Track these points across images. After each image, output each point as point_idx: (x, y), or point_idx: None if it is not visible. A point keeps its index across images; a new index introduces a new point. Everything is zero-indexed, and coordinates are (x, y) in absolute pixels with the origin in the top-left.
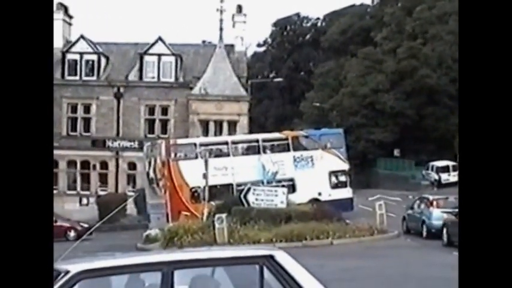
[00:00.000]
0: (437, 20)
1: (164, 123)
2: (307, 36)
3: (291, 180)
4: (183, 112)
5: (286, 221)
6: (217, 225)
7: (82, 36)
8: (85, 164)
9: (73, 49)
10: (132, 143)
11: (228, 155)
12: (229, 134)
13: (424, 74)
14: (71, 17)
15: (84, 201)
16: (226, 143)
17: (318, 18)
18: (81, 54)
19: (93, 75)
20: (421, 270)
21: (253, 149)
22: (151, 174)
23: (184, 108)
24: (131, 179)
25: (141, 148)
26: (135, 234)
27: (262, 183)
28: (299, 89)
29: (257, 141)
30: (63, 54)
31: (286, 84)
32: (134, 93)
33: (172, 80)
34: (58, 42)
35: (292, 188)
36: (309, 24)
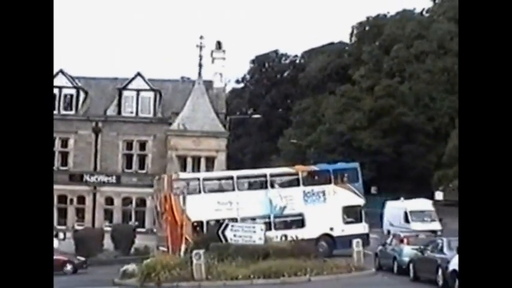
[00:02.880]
0: (415, 59)
1: (142, 159)
2: (286, 73)
3: (300, 215)
4: (161, 147)
5: (264, 258)
6: (195, 261)
7: (61, 71)
8: (62, 199)
9: None
10: (110, 178)
11: (233, 189)
12: (207, 170)
13: (401, 112)
14: None
15: (61, 235)
16: (231, 178)
17: (296, 56)
18: (60, 88)
19: (71, 109)
20: None
21: (260, 184)
22: (158, 208)
23: (163, 144)
24: (108, 214)
25: (118, 183)
26: (112, 269)
27: (269, 217)
28: (277, 125)
29: (265, 176)
30: None
31: (264, 121)
32: (113, 128)
33: (151, 115)
34: None
35: (301, 223)
36: (287, 61)
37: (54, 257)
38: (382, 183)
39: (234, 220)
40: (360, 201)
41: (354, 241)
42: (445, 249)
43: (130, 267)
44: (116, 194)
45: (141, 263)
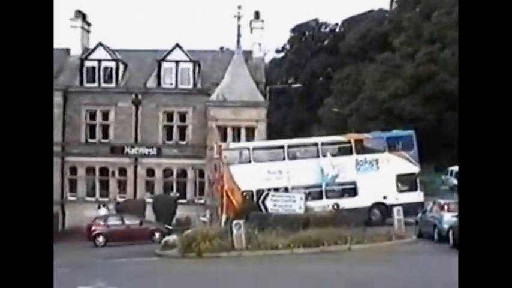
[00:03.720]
0: (456, 25)
1: (182, 130)
2: (325, 42)
3: (353, 183)
4: (201, 118)
5: (304, 227)
6: (235, 231)
7: (100, 44)
8: (103, 171)
9: (91, 56)
10: (151, 150)
11: (283, 158)
12: (247, 140)
13: (443, 79)
14: (89, 25)
15: (103, 208)
16: (281, 147)
17: (336, 24)
18: (100, 61)
19: (111, 82)
20: (437, 275)
21: (311, 153)
22: (210, 177)
23: (203, 115)
24: (150, 186)
25: (159, 154)
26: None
27: (321, 186)
28: (317, 94)
29: (316, 144)
30: (82, 61)
31: (304, 90)
32: (152, 99)
33: (191, 86)
34: (77, 50)
35: (353, 192)
36: (327, 30)
37: (143, 226)
38: (425, 150)
39: (285, 189)
40: (415, 169)
41: (395, 209)
42: None
43: (172, 238)
44: (157, 166)
45: (182, 234)
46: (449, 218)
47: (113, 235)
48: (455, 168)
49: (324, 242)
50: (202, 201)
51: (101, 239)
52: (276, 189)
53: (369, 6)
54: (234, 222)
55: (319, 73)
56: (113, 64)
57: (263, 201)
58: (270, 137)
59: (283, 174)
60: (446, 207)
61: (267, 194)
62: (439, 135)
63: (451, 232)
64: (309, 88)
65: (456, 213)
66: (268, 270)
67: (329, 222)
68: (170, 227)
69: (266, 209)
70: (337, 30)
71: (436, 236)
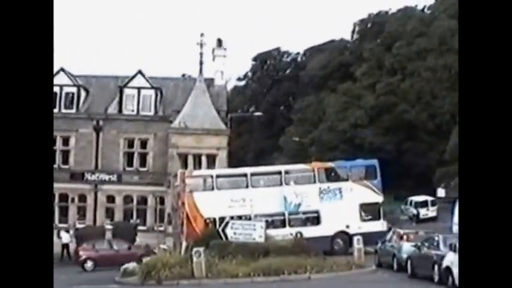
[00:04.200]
0: (416, 56)
1: (143, 157)
2: (287, 71)
3: (316, 212)
4: (162, 146)
5: (264, 255)
6: (195, 259)
7: (62, 69)
8: (63, 197)
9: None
10: (111, 176)
11: (246, 186)
12: (208, 167)
13: (403, 110)
14: None
15: (62, 234)
16: (245, 175)
17: (298, 53)
18: (61, 86)
19: (72, 107)
20: None
21: (274, 181)
22: (174, 205)
23: (164, 142)
24: (110, 212)
25: (119, 181)
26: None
27: (284, 215)
28: (279, 123)
29: (279, 172)
30: None
31: (265, 119)
32: (113, 126)
33: (152, 113)
34: None
35: (316, 220)
36: (289, 59)
37: (132, 251)
38: (384, 180)
39: (248, 217)
40: (378, 198)
41: (355, 238)
42: (441, 246)
43: (131, 265)
44: (117, 192)
45: (142, 261)
46: (408, 248)
47: (102, 260)
48: (415, 198)
49: (284, 270)
50: (162, 228)
51: (89, 263)
52: (240, 217)
53: (331, 36)
54: (194, 250)
55: (281, 102)
56: (74, 90)
57: (223, 229)
58: (231, 164)
59: (246, 202)
60: (405, 237)
61: (227, 222)
62: (399, 165)
63: (409, 261)
64: (270, 117)
65: (414, 243)
66: None
67: (289, 251)
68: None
69: (226, 237)
70: (298, 59)
71: (395, 266)
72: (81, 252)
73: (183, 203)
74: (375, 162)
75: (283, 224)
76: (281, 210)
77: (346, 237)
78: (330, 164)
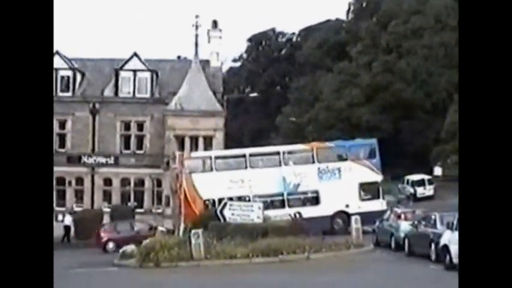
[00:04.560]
0: (412, 34)
1: (140, 139)
2: (283, 51)
3: (315, 192)
4: (158, 128)
5: (263, 236)
6: (193, 241)
7: (57, 52)
8: (60, 180)
9: None
10: (108, 159)
11: (245, 167)
12: (205, 149)
13: (399, 88)
14: None
15: (60, 217)
16: (243, 156)
17: (294, 33)
18: (57, 70)
19: (68, 91)
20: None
21: (273, 161)
22: (173, 186)
23: (160, 124)
24: (107, 195)
25: (116, 164)
26: None
27: (283, 195)
28: (275, 103)
29: (278, 153)
30: None
31: (262, 99)
32: (110, 109)
33: (148, 95)
34: None
35: (316, 200)
36: (284, 39)
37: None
38: (381, 159)
39: (247, 198)
40: (377, 177)
41: (353, 218)
42: (438, 224)
43: (130, 248)
44: (114, 175)
45: (140, 244)
46: (405, 227)
47: (124, 241)
48: (412, 177)
49: (283, 251)
50: (160, 210)
51: (111, 245)
52: (240, 198)
53: (326, 16)
54: (193, 231)
55: (277, 82)
56: (70, 73)
57: (221, 211)
58: (227, 146)
59: (245, 183)
60: (403, 215)
61: (225, 204)
62: (395, 144)
63: (406, 240)
64: (267, 97)
65: (412, 222)
66: (226, 280)
67: (288, 232)
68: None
69: (224, 219)
70: (294, 39)
71: (393, 245)
72: (102, 234)
73: (181, 185)
74: (373, 141)
75: (282, 204)
76: (280, 190)
77: (346, 217)
78: (328, 144)
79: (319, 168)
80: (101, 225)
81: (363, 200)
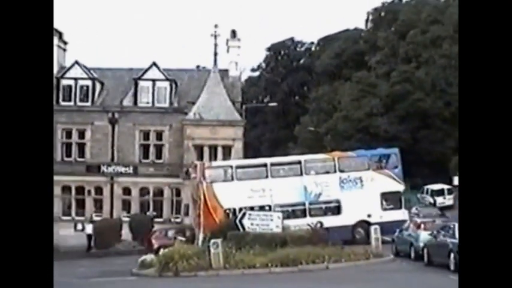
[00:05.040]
0: (431, 44)
1: (159, 148)
2: (301, 61)
3: (337, 201)
4: (177, 137)
5: (282, 246)
6: (212, 250)
7: (77, 62)
8: (80, 190)
9: (67, 75)
10: (127, 168)
11: (266, 176)
12: (224, 159)
13: (418, 98)
14: (65, 43)
15: (79, 226)
16: (264, 165)
17: (312, 43)
18: (76, 79)
19: (87, 100)
20: None
21: (294, 171)
22: (194, 196)
23: (179, 133)
24: (126, 204)
25: (135, 173)
26: (130, 260)
27: (304, 204)
28: (293, 113)
29: (299, 162)
30: (58, 80)
31: (280, 109)
32: (129, 118)
33: (167, 105)
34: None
35: (337, 210)
36: (303, 49)
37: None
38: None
39: (268, 207)
40: (399, 187)
41: (372, 228)
42: (457, 234)
43: (149, 257)
44: (133, 185)
45: (159, 253)
46: (425, 236)
47: None
48: (431, 186)
49: (302, 260)
50: (179, 219)
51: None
52: (262, 207)
53: (345, 26)
54: (212, 241)
55: (295, 92)
56: (89, 83)
57: (240, 220)
58: (246, 155)
59: (266, 192)
60: (422, 225)
61: (244, 213)
62: (414, 154)
63: (425, 250)
64: (285, 107)
65: (431, 232)
66: None
67: (307, 241)
68: None
69: (243, 228)
70: (312, 49)
71: (412, 254)
72: (154, 241)
73: (203, 194)
74: (395, 150)
75: (303, 213)
76: (301, 200)
77: (368, 227)
78: (350, 153)
79: (340, 178)
80: (152, 232)
81: (385, 209)
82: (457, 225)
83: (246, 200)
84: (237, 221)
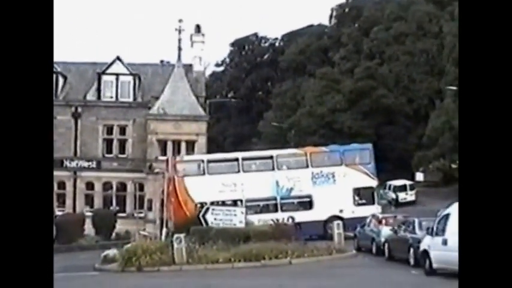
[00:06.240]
0: (394, 41)
1: (122, 143)
2: (265, 56)
3: (309, 196)
4: (141, 132)
5: (245, 241)
6: (175, 245)
7: None
8: None
9: None
10: (90, 163)
11: (238, 171)
12: (187, 153)
13: (381, 94)
14: None
15: None
16: (236, 160)
17: (276, 38)
18: None
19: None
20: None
21: (267, 165)
22: (165, 190)
23: (143, 128)
24: (89, 199)
25: (98, 168)
26: (93, 255)
27: (275, 199)
28: (257, 108)
29: (271, 157)
30: None
31: (244, 104)
32: (92, 112)
33: (131, 99)
34: None
35: (309, 205)
36: (267, 44)
37: None
38: None
39: (239, 201)
40: (372, 182)
41: (335, 223)
42: (417, 229)
43: (111, 252)
44: (96, 179)
45: (122, 248)
46: (386, 232)
47: None
48: (394, 182)
49: (265, 256)
50: (142, 214)
51: None
52: (235, 202)
53: (309, 21)
54: (175, 236)
55: (259, 87)
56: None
57: (203, 215)
58: (210, 150)
59: (237, 187)
60: (384, 221)
61: (208, 208)
62: (377, 150)
63: (386, 245)
64: (249, 102)
65: (392, 227)
66: (208, 285)
67: (270, 236)
68: None
69: (206, 223)
70: (276, 44)
71: (374, 250)
72: None
73: (174, 188)
74: (369, 146)
75: (275, 208)
76: (273, 194)
77: (340, 222)
78: (323, 149)
79: (313, 173)
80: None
81: (357, 205)
82: (417, 220)
83: (218, 194)
84: (200, 216)
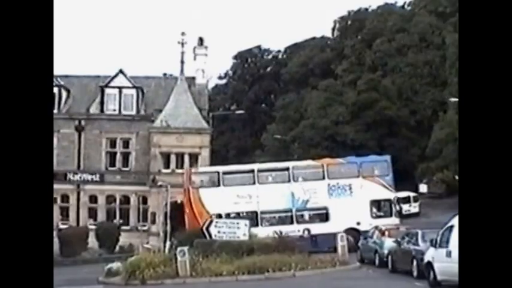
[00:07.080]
0: (397, 52)
1: (125, 156)
2: (268, 69)
3: (325, 208)
4: (144, 145)
5: (249, 254)
6: (179, 258)
7: None
8: None
9: None
10: (94, 176)
11: (253, 183)
12: (191, 166)
13: (384, 106)
14: None
15: None
16: (252, 171)
17: (279, 51)
18: None
19: (53, 108)
20: None
21: (282, 177)
22: (184, 201)
23: (146, 141)
24: (92, 212)
25: (102, 181)
26: (96, 268)
27: (291, 211)
28: (260, 121)
29: (287, 169)
30: None
31: (247, 117)
32: (95, 126)
33: (134, 112)
34: None
35: (325, 217)
36: (269, 57)
37: None
38: None
39: (254, 213)
40: (390, 195)
41: (338, 235)
42: (420, 241)
43: (115, 265)
44: (99, 192)
45: (126, 261)
46: (389, 244)
47: None
48: (397, 194)
49: (269, 268)
50: (145, 227)
51: None
52: (250, 214)
53: (311, 34)
54: (179, 249)
55: (262, 99)
56: (55, 90)
57: (207, 228)
58: (213, 163)
59: (252, 199)
60: (387, 232)
61: (211, 221)
62: None
63: (389, 257)
64: (252, 114)
65: (395, 239)
66: None
67: (273, 249)
68: None
69: (210, 236)
70: (279, 57)
71: (377, 262)
72: None
73: (189, 199)
74: (387, 158)
75: (291, 220)
76: (289, 206)
77: (357, 234)
78: (339, 160)
79: (329, 185)
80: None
81: (375, 217)
82: (420, 232)
83: (233, 206)
84: (204, 229)
